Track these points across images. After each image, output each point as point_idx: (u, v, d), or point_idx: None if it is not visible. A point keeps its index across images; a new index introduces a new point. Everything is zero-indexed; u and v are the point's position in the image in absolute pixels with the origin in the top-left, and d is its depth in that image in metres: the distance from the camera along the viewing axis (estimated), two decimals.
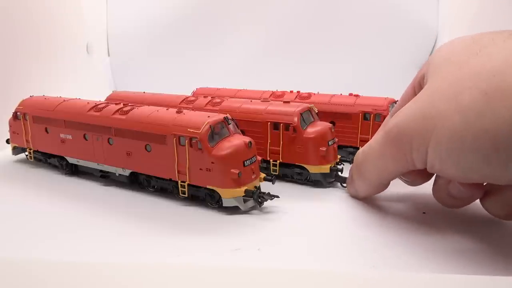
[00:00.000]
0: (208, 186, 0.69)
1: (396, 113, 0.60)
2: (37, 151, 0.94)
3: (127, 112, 0.78)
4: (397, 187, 0.80)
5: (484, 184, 0.59)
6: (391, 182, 0.69)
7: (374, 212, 0.69)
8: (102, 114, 0.81)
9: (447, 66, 0.55)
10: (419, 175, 0.66)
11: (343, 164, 0.85)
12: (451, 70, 0.54)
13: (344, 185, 0.82)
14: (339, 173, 0.82)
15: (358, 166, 0.69)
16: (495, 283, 0.41)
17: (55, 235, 0.61)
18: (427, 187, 0.73)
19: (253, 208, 0.70)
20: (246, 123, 0.84)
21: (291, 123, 0.80)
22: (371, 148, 0.66)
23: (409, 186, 0.70)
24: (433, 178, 0.66)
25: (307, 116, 0.83)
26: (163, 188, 0.77)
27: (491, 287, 0.41)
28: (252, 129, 0.84)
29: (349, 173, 0.74)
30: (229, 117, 0.74)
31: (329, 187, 0.82)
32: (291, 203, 0.72)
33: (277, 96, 1.05)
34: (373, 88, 1.18)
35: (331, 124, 0.84)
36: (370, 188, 0.70)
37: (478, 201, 0.61)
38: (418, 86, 0.63)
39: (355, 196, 0.74)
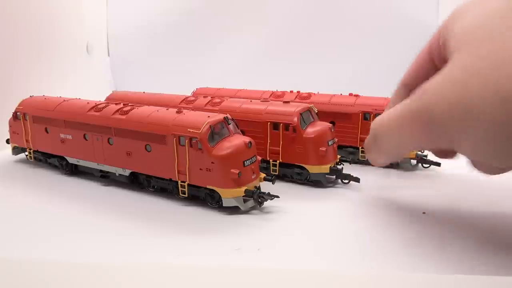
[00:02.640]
0: (208, 186, 0.69)
1: (421, 88, 0.52)
2: (37, 151, 0.94)
3: (127, 112, 0.78)
4: (397, 186, 0.80)
5: None
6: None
7: (374, 212, 0.69)
8: (102, 114, 0.81)
9: (480, 39, 0.48)
10: (492, 167, 0.61)
11: (343, 164, 0.85)
12: (487, 46, 0.47)
13: (345, 181, 0.82)
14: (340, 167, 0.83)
15: (375, 136, 0.63)
16: (495, 283, 0.41)
17: (55, 235, 0.61)
18: (427, 187, 0.73)
19: (253, 208, 0.70)
20: (246, 123, 0.84)
21: (291, 123, 0.80)
22: (390, 121, 0.58)
23: (413, 185, 0.69)
24: None
25: (307, 116, 0.83)
26: (163, 188, 0.77)
27: (491, 287, 0.41)
28: (252, 129, 0.84)
29: (366, 141, 0.68)
30: (229, 117, 0.74)
31: (329, 187, 0.82)
32: (291, 203, 0.72)
33: (277, 96, 1.05)
34: (373, 88, 1.18)
35: (331, 124, 0.84)
36: (386, 158, 0.65)
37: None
38: (437, 55, 0.57)
39: (373, 163, 0.68)
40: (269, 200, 0.69)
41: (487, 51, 0.47)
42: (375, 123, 0.62)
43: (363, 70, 1.69)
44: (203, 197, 0.71)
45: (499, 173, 0.62)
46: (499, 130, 0.44)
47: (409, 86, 0.65)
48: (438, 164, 0.88)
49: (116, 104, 0.83)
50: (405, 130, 0.56)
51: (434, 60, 0.59)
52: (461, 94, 0.47)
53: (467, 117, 0.46)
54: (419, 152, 0.90)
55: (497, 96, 0.44)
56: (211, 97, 0.95)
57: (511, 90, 0.43)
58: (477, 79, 0.46)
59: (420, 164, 0.91)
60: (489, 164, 0.55)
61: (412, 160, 0.91)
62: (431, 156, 0.77)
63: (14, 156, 1.00)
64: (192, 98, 0.97)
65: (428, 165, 0.89)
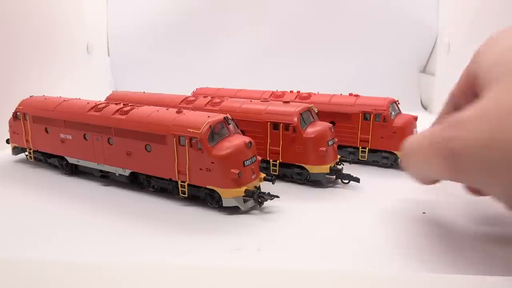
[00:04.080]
0: (208, 186, 0.69)
1: (451, 119, 0.47)
2: (37, 151, 0.94)
3: (127, 112, 0.78)
4: (397, 186, 0.80)
5: None
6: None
7: (374, 212, 0.69)
8: (102, 114, 0.81)
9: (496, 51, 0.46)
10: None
11: (343, 164, 0.85)
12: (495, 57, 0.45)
13: (345, 181, 0.82)
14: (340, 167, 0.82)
15: (405, 155, 0.58)
16: (495, 283, 0.41)
17: (55, 235, 0.61)
18: (427, 187, 0.73)
19: (253, 208, 0.70)
20: (246, 123, 0.84)
21: (291, 123, 0.80)
22: (420, 146, 0.53)
23: (414, 185, 0.68)
24: None
25: (307, 116, 0.83)
26: (163, 188, 0.77)
27: (491, 287, 0.41)
28: (252, 129, 0.84)
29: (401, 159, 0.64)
30: (229, 117, 0.74)
31: (329, 187, 0.82)
32: (291, 203, 0.72)
33: (277, 96, 1.05)
34: (373, 88, 1.19)
35: (331, 124, 0.84)
36: (419, 181, 0.60)
37: (477, 201, 0.61)
38: (468, 88, 0.53)
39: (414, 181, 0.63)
40: (269, 200, 0.69)
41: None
42: (407, 142, 0.57)
43: (363, 70, 1.70)
44: (203, 197, 0.71)
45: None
46: (486, 151, 0.41)
47: (455, 98, 0.60)
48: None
49: (116, 104, 0.83)
50: (430, 160, 0.51)
51: (466, 94, 0.55)
52: (494, 133, 0.42)
53: (503, 158, 0.41)
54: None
55: (486, 116, 0.41)
56: (211, 97, 0.95)
57: None
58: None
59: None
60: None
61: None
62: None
63: (14, 156, 1.00)
64: (192, 98, 0.97)
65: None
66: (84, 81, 1.49)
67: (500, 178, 0.42)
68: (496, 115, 0.42)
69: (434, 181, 0.60)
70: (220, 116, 0.72)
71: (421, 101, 1.71)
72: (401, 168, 0.69)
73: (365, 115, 0.92)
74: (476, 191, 0.60)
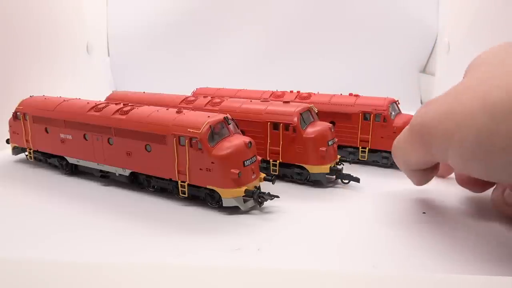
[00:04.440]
0: (208, 186, 0.69)
1: (426, 103, 0.58)
2: (37, 151, 0.94)
3: (127, 112, 0.78)
4: (397, 186, 0.80)
5: None
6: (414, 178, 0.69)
7: (374, 212, 0.69)
8: (102, 114, 0.81)
9: (481, 66, 0.54)
10: (476, 184, 0.66)
11: (343, 164, 0.85)
12: (484, 69, 0.53)
13: (345, 181, 0.82)
14: (340, 167, 0.82)
15: (394, 148, 0.68)
16: (495, 283, 0.41)
17: (55, 235, 0.61)
18: (427, 187, 0.73)
19: (253, 208, 0.70)
20: (246, 123, 0.84)
21: (291, 123, 0.80)
22: (400, 136, 0.65)
23: (414, 185, 0.71)
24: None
25: (307, 116, 0.83)
26: (163, 188, 0.77)
27: (491, 287, 0.41)
28: (252, 129, 0.84)
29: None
30: (229, 117, 0.74)
31: (329, 187, 0.82)
32: (291, 203, 0.72)
33: (277, 96, 1.05)
34: (373, 88, 1.18)
35: (331, 124, 0.84)
36: (408, 175, 0.69)
37: (477, 201, 0.61)
38: None
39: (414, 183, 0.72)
40: (269, 200, 0.69)
41: (480, 72, 0.53)
42: (396, 138, 0.67)
43: (364, 70, 1.70)
44: (203, 197, 0.71)
45: (482, 191, 0.65)
46: (485, 136, 0.47)
47: None
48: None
49: (116, 104, 0.83)
50: (406, 141, 0.61)
51: None
52: (451, 105, 0.51)
53: (454, 126, 0.50)
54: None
55: (484, 103, 0.47)
56: (211, 97, 0.95)
57: (497, 98, 0.46)
58: (468, 92, 0.50)
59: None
60: (474, 177, 0.59)
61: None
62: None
63: (14, 156, 1.00)
64: (192, 98, 0.97)
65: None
66: (84, 81, 1.49)
67: (458, 143, 0.50)
68: (455, 92, 0.53)
69: (423, 179, 0.67)
70: (220, 116, 0.72)
71: (421, 101, 1.71)
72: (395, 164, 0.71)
73: (365, 115, 0.92)
74: (465, 182, 0.68)
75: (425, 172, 0.66)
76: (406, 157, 0.64)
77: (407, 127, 0.63)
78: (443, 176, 0.82)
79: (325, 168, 0.80)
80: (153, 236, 0.61)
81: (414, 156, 0.61)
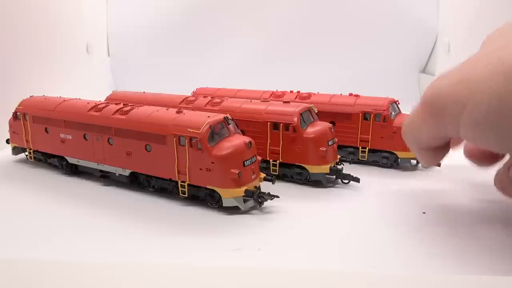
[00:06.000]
0: (208, 186, 0.69)
1: (438, 76, 0.57)
2: (37, 151, 0.94)
3: (127, 112, 0.78)
4: (397, 186, 0.80)
5: None
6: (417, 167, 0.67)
7: (374, 211, 0.69)
8: (102, 114, 0.81)
9: (498, 37, 0.54)
10: (484, 157, 0.64)
11: (343, 164, 0.85)
12: (500, 40, 0.53)
13: (345, 181, 0.82)
14: (340, 167, 0.82)
15: (405, 125, 0.65)
16: (495, 283, 0.41)
17: (55, 235, 0.61)
18: (427, 187, 0.73)
19: (253, 208, 0.70)
20: (246, 123, 0.84)
21: (291, 123, 0.80)
22: (410, 114, 0.62)
23: (415, 183, 0.69)
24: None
25: (307, 116, 0.83)
26: (163, 188, 0.77)
27: (491, 287, 0.41)
28: (252, 129, 0.84)
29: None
30: (229, 117, 0.74)
31: (329, 187, 0.82)
32: (291, 203, 0.72)
33: (277, 96, 1.05)
34: (373, 88, 1.18)
35: (331, 124, 0.84)
36: (418, 155, 0.67)
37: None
38: None
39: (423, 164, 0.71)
40: (269, 200, 0.69)
41: (496, 41, 0.53)
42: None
43: (364, 70, 1.70)
44: (203, 197, 0.71)
45: (489, 165, 0.63)
46: (499, 99, 0.46)
47: None
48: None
49: (116, 104, 0.83)
50: (419, 118, 0.59)
51: None
52: (465, 74, 0.50)
53: (470, 91, 0.49)
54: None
55: (499, 67, 0.47)
56: (211, 97, 0.95)
57: None
58: (482, 60, 0.50)
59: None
60: (483, 150, 0.58)
61: (412, 161, 0.91)
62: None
63: (14, 156, 1.00)
64: (192, 98, 0.97)
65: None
66: (84, 81, 1.49)
67: (471, 108, 0.49)
68: (469, 62, 0.52)
69: (434, 159, 0.65)
70: (220, 116, 0.72)
71: None
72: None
73: (365, 115, 0.92)
74: (474, 155, 0.66)
75: (436, 151, 0.63)
76: (416, 134, 0.61)
77: (417, 103, 0.60)
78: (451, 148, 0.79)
79: (325, 168, 0.80)
80: (153, 236, 0.61)
81: (425, 131, 0.59)
